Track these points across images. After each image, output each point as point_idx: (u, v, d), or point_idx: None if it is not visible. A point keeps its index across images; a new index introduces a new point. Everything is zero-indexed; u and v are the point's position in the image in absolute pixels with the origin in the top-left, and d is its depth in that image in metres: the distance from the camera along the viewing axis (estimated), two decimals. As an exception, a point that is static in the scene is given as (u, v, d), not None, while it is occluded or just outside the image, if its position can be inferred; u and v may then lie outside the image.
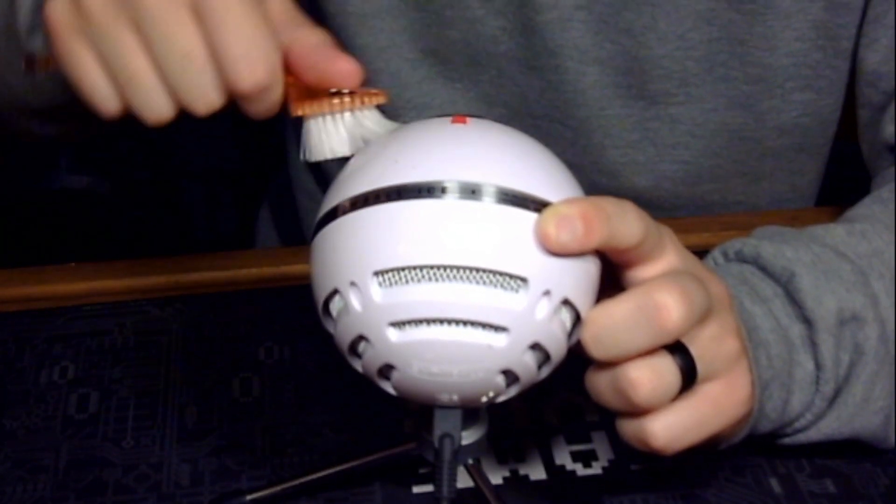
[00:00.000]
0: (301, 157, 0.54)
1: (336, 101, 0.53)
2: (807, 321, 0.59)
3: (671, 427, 0.53)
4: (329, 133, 0.53)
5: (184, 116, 0.54)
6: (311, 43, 0.53)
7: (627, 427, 0.53)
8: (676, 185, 0.85)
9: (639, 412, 0.52)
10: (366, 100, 0.53)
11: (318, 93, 0.53)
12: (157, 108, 0.52)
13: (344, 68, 0.53)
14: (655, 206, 0.85)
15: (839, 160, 0.92)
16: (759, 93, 0.81)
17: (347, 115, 0.53)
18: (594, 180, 0.84)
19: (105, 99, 0.53)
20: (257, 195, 1.12)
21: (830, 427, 0.60)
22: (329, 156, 0.53)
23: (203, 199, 1.50)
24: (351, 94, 0.53)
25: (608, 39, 0.79)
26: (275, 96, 0.53)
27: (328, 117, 0.53)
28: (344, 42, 0.88)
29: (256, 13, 0.51)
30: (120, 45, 0.52)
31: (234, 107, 0.53)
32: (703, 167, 0.84)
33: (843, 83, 0.82)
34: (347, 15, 0.82)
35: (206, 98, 0.52)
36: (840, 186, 0.90)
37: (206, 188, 1.50)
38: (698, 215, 0.87)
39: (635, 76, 0.80)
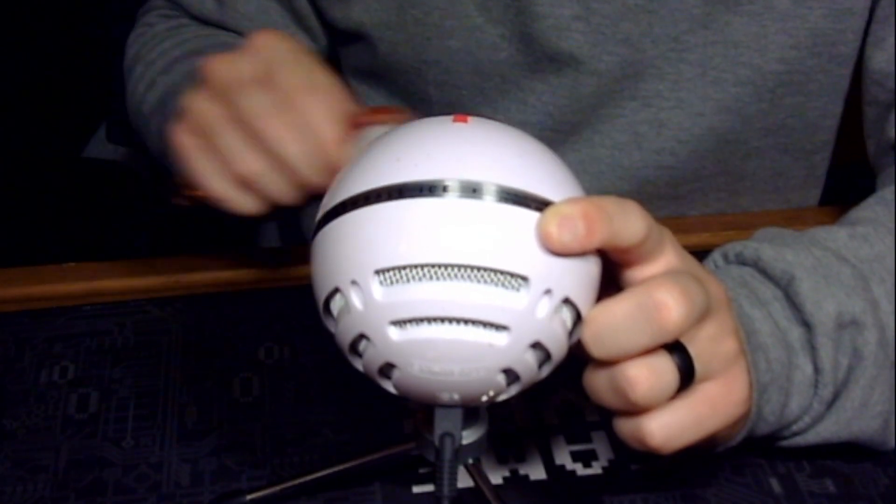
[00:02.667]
0: None
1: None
2: (806, 325, 0.59)
3: (668, 426, 0.53)
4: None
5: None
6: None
7: (624, 426, 0.53)
8: (658, 189, 0.85)
9: (636, 411, 0.52)
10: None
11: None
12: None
13: None
14: None
15: (841, 163, 0.92)
16: (748, 95, 0.81)
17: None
18: None
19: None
20: None
21: (828, 430, 0.60)
22: None
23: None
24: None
25: (606, 51, 0.79)
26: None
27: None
28: (345, 57, 0.89)
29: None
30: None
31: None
32: (686, 171, 0.84)
33: (835, 87, 0.82)
34: (350, 30, 0.83)
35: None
36: (842, 187, 0.90)
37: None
38: (677, 215, 0.87)
39: (630, 80, 0.80)
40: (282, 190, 0.60)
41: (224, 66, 0.60)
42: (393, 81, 0.87)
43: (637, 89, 0.81)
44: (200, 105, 0.60)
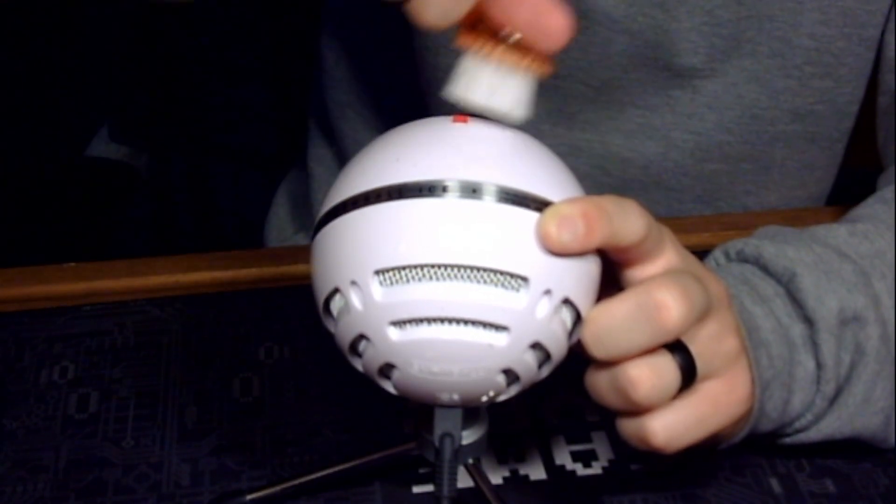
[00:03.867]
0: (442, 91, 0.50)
1: (507, 54, 0.49)
2: (808, 321, 0.59)
3: (671, 425, 0.53)
4: (480, 77, 0.49)
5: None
6: None
7: (627, 426, 0.53)
8: (685, 157, 0.84)
9: (639, 411, 0.52)
10: (536, 67, 0.49)
11: (485, 29, 0.49)
12: None
13: (557, 24, 0.48)
14: (663, 182, 0.85)
15: (844, 165, 0.92)
16: (776, 68, 0.81)
17: (508, 69, 0.49)
18: (608, 141, 0.83)
19: None
20: (280, 170, 1.12)
21: (831, 427, 0.60)
22: (466, 100, 0.50)
23: (229, 176, 1.51)
24: (523, 48, 0.49)
25: (640, 13, 0.78)
26: (462, 3, 0.48)
27: (490, 63, 0.49)
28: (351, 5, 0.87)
29: None
30: None
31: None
32: (712, 142, 0.84)
33: (863, 72, 0.82)
34: None
35: None
36: (844, 188, 0.90)
37: (233, 165, 1.51)
38: (703, 212, 0.87)
39: (664, 49, 0.80)
40: None
41: None
42: (410, 40, 0.84)
43: (671, 61, 0.80)
44: None
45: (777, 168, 0.86)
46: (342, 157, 0.96)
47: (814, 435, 0.61)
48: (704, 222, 0.85)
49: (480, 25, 0.49)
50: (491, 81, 0.49)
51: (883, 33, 0.80)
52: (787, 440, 0.62)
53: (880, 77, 0.80)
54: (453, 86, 0.50)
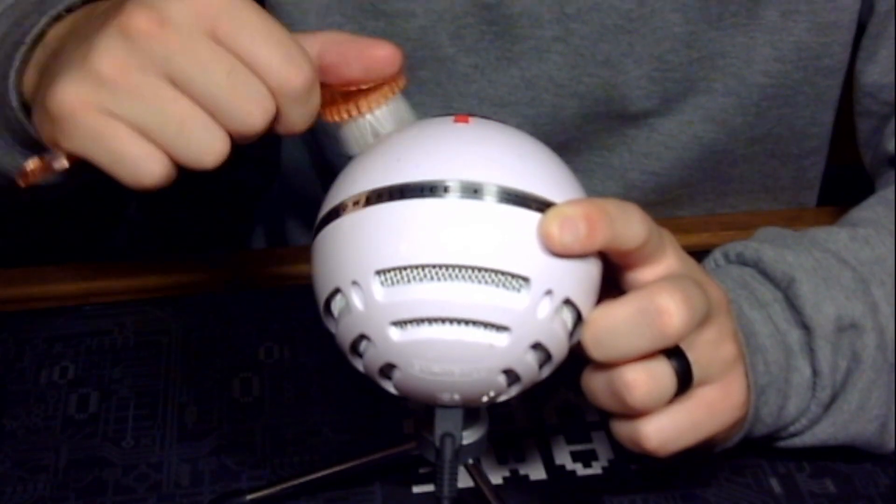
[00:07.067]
0: (345, 155, 0.54)
1: (364, 100, 0.53)
2: (805, 327, 0.59)
3: (664, 430, 0.53)
4: (363, 132, 0.53)
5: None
6: (341, 39, 0.53)
7: (621, 428, 0.53)
8: (646, 195, 0.85)
9: (633, 414, 0.52)
10: (390, 92, 0.53)
11: (339, 94, 0.53)
12: (213, 144, 0.50)
13: (385, 53, 0.52)
14: None
15: (840, 165, 0.91)
16: (733, 107, 0.81)
17: (380, 111, 0.53)
18: None
19: (153, 164, 0.50)
20: (259, 196, 1.12)
21: (825, 432, 0.60)
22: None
23: (227, 176, 1.50)
24: (374, 87, 0.53)
25: (586, 73, 0.78)
26: (317, 96, 0.52)
27: (361, 114, 0.53)
28: None
29: (273, 20, 0.51)
30: (158, 98, 0.49)
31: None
32: (672, 178, 0.84)
33: (822, 97, 0.82)
34: None
35: (263, 108, 0.50)
36: (841, 186, 0.90)
37: (230, 165, 1.50)
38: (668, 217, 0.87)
39: (615, 102, 0.80)
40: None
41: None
42: None
43: (625, 110, 0.80)
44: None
45: (737, 180, 0.86)
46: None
47: (808, 439, 0.61)
48: (704, 223, 0.85)
49: (332, 97, 0.53)
50: (371, 126, 0.53)
51: (854, 61, 0.79)
52: (782, 443, 0.62)
53: (856, 101, 0.79)
54: (349, 149, 0.54)
